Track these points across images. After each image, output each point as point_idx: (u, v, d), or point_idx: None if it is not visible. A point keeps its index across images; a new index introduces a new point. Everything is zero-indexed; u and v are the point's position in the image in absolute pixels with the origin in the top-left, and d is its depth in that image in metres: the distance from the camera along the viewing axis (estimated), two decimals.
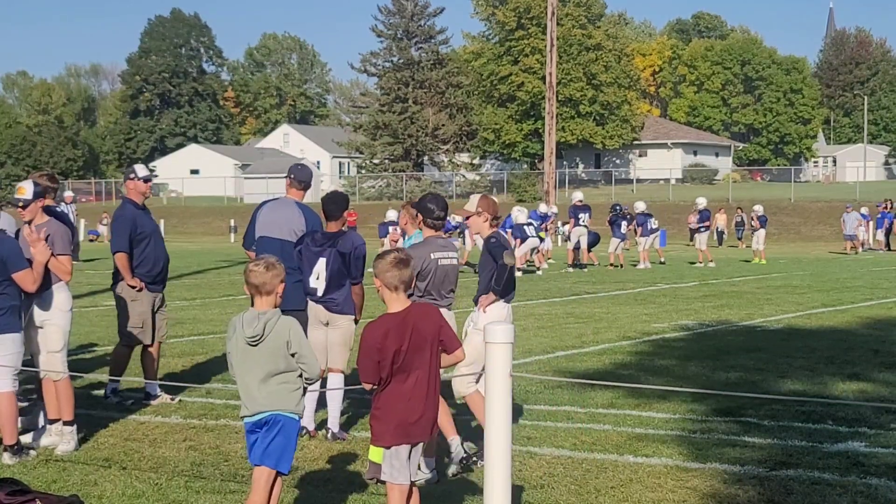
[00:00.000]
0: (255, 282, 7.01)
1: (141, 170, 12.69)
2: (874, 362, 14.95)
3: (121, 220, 12.46)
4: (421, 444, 6.89)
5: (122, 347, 12.55)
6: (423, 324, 6.81)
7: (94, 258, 43.74)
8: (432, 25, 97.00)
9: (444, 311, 9.53)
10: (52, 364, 10.36)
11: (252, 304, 7.09)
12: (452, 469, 9.22)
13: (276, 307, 7.05)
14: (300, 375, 7.09)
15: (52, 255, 9.96)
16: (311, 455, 9.95)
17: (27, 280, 9.55)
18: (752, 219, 45.39)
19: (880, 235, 53.80)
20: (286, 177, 11.70)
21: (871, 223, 54.33)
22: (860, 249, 52.14)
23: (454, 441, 9.34)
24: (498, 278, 9.78)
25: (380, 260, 6.87)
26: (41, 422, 10.72)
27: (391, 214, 36.89)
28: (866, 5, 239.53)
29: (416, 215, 10.39)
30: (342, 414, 10.92)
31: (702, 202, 42.99)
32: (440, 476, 8.94)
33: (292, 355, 7.00)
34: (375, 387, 6.85)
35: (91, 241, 66.43)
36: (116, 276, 12.45)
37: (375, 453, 6.84)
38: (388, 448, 6.78)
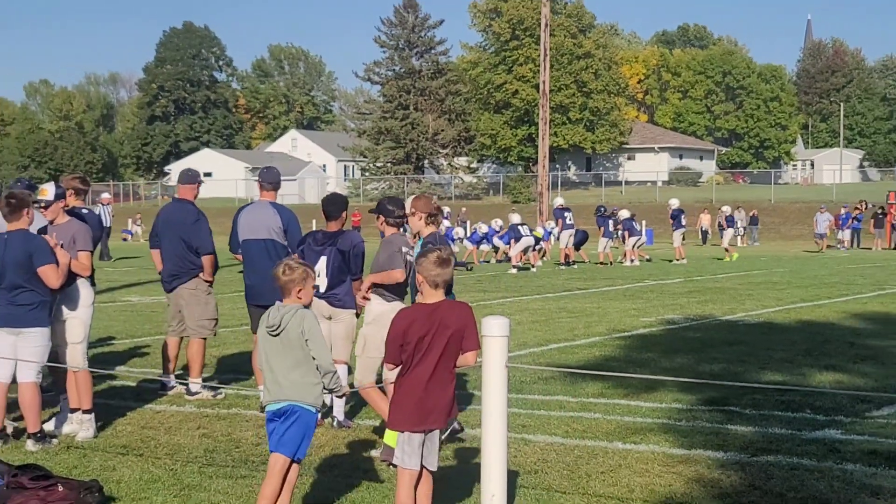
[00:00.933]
0: (278, 283, 7.18)
1: (201, 174, 12.89)
2: (850, 354, 14.95)
3: (205, 222, 12.49)
4: (436, 432, 6.85)
5: (199, 341, 12.53)
6: (450, 318, 6.77)
7: (126, 256, 43.82)
8: (432, 36, 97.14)
9: (399, 302, 9.67)
10: (73, 355, 10.42)
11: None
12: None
13: (300, 303, 7.15)
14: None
15: (73, 254, 10.06)
16: (318, 442, 9.94)
17: (51, 275, 9.60)
18: (721, 219, 45.44)
19: (844, 234, 53.71)
20: (257, 181, 12.02)
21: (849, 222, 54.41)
22: (841, 248, 52.23)
23: None
24: None
25: (423, 258, 6.87)
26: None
27: None
28: (842, 17, 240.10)
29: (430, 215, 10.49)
30: (347, 403, 10.93)
31: (674, 203, 42.77)
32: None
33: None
34: (397, 369, 6.90)
35: (124, 240, 66.53)
36: (182, 275, 12.39)
37: (391, 437, 6.85)
38: (403, 433, 6.79)
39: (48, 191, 10.47)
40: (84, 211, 11.08)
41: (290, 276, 7.12)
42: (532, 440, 9.86)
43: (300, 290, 7.15)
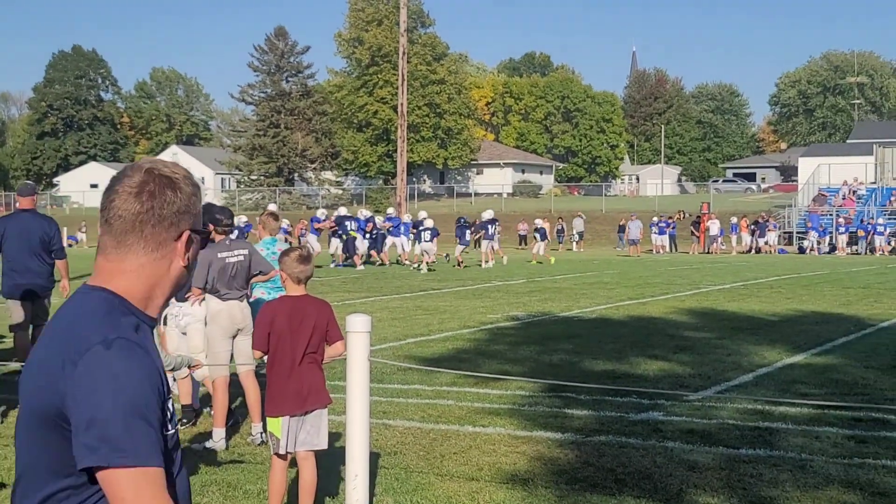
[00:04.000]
0: None
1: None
2: (670, 346, 15.26)
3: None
4: (323, 411, 6.74)
5: None
6: (314, 311, 6.71)
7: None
8: (300, 62, 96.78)
9: (236, 302, 9.46)
10: None
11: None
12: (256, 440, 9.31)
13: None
14: None
15: None
16: (196, 430, 9.77)
17: None
18: (533, 230, 45.69)
19: (663, 241, 54.76)
20: (18, 195, 12.41)
21: (668, 229, 55.51)
22: (659, 252, 53.30)
23: (256, 427, 9.35)
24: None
25: (286, 256, 6.80)
26: None
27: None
28: (663, 51, 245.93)
29: (266, 222, 10.55)
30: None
31: (486, 214, 41.99)
32: (227, 445, 9.15)
33: None
34: (264, 356, 6.81)
35: (69, 246, 64.37)
36: (50, 284, 12.32)
37: (274, 426, 6.72)
38: (276, 418, 6.69)
39: None
40: None
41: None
42: (392, 425, 9.85)
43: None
